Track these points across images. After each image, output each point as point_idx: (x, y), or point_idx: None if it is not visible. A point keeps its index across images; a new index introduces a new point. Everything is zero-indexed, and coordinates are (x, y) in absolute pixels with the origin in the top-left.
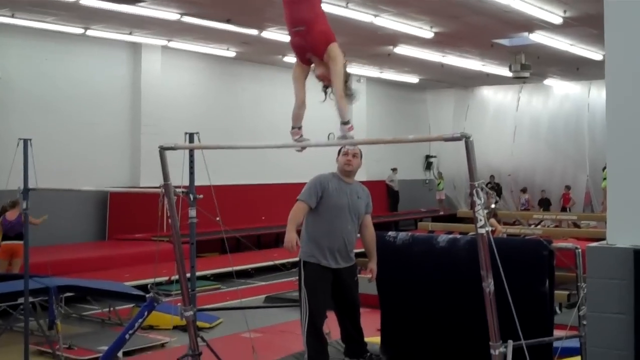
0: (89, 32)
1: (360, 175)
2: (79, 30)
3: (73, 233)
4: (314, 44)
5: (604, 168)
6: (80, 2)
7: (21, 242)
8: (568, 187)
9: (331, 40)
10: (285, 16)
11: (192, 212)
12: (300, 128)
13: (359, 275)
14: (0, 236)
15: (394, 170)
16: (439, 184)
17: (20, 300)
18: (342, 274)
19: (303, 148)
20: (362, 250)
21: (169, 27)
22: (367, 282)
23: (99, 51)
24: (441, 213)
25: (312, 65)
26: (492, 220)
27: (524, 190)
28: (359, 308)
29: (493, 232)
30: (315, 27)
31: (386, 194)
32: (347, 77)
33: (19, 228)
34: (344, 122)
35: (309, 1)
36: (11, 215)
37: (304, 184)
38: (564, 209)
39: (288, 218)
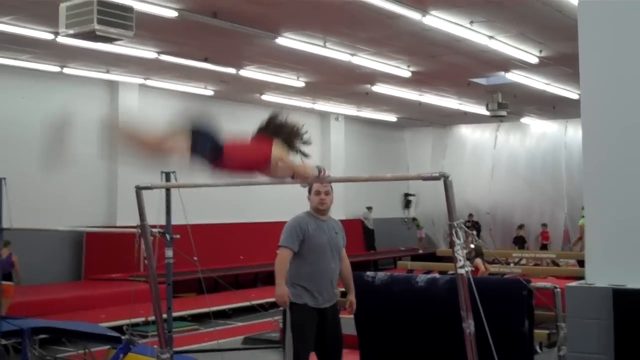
0: (66, 70)
1: (338, 214)
2: (55, 68)
3: (48, 273)
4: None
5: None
6: (57, 40)
7: (8, 283)
8: (545, 225)
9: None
10: None
11: (169, 253)
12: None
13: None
14: None
15: (369, 208)
16: (417, 225)
17: None
18: (327, 313)
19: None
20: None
21: (147, 65)
22: (346, 322)
23: (76, 89)
24: (420, 251)
25: None
26: (478, 260)
27: (520, 227)
28: (342, 348)
29: (475, 272)
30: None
31: (362, 233)
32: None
33: (8, 268)
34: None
35: None
36: (3, 253)
37: (283, 222)
38: (543, 247)
39: (275, 270)
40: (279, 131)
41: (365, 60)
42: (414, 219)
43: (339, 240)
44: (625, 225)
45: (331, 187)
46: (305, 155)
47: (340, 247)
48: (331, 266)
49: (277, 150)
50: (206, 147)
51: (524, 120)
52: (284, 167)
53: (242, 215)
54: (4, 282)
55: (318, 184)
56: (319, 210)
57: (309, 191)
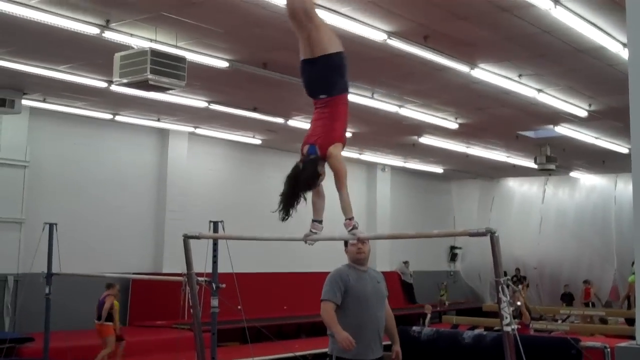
0: (118, 118)
1: (384, 266)
2: (108, 116)
3: (93, 318)
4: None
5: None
6: (111, 88)
7: (106, 323)
8: (586, 282)
9: (334, 139)
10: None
11: (215, 302)
12: (320, 222)
13: None
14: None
15: (406, 263)
16: (442, 295)
17: None
18: None
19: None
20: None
21: (197, 114)
22: None
23: (127, 136)
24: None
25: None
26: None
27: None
28: None
29: (520, 316)
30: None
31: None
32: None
33: (100, 309)
34: (349, 218)
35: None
36: (102, 295)
37: (327, 273)
38: (586, 305)
39: (326, 322)
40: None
41: (412, 112)
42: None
43: (382, 289)
44: None
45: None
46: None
47: (384, 296)
48: (377, 315)
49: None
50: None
51: (573, 174)
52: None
53: (287, 265)
54: (101, 323)
55: None
56: (358, 260)
57: (345, 243)
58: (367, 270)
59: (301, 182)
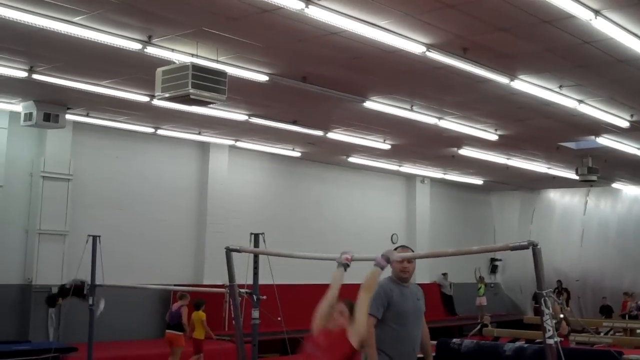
0: (160, 132)
1: (423, 277)
2: (149, 130)
3: (136, 329)
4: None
5: None
6: (153, 102)
7: (178, 333)
8: (627, 294)
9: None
10: None
11: (255, 314)
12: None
13: None
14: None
15: (445, 275)
16: (479, 289)
17: None
18: None
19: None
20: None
21: (237, 128)
22: None
23: (168, 150)
24: (480, 321)
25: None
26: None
27: (626, 294)
28: None
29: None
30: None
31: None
32: None
33: (177, 319)
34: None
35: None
36: (175, 306)
37: None
38: (623, 317)
39: (367, 342)
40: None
41: (452, 124)
42: (482, 278)
43: (422, 307)
44: None
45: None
46: None
47: (422, 313)
48: (414, 333)
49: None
50: None
51: (615, 185)
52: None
53: (327, 276)
54: (172, 332)
55: (401, 251)
56: (402, 279)
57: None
58: (409, 286)
59: None
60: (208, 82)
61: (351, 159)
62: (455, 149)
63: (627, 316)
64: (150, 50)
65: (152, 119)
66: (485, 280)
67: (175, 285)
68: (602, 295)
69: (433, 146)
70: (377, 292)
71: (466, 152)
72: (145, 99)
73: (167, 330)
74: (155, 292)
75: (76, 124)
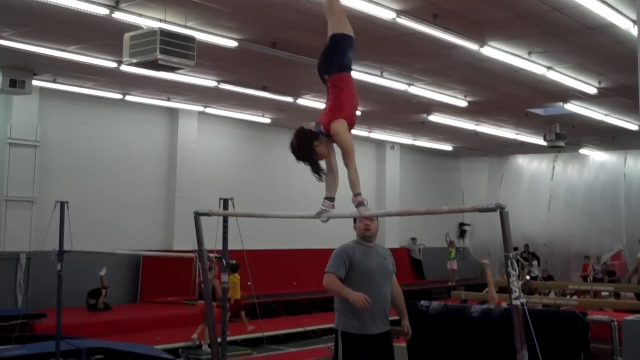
0: (128, 98)
1: (392, 243)
2: (117, 96)
3: (106, 295)
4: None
5: None
6: (120, 68)
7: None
8: (587, 257)
9: (337, 116)
10: (353, 94)
11: (225, 278)
12: (332, 199)
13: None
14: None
15: (413, 239)
16: (450, 253)
17: None
18: (379, 341)
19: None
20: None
21: (206, 94)
22: (398, 352)
23: (137, 116)
24: (451, 284)
25: None
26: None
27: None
28: None
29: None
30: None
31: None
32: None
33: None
34: (357, 194)
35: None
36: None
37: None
38: (584, 278)
39: (333, 290)
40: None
41: (421, 90)
42: (452, 242)
43: (389, 266)
44: None
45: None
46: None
47: (390, 272)
48: (382, 291)
49: (343, 125)
50: None
51: (583, 151)
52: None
53: (296, 242)
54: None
55: None
56: (365, 237)
57: (354, 220)
58: (373, 246)
59: (296, 153)
60: (176, 47)
61: None
62: (425, 115)
63: (590, 278)
64: (118, 15)
65: (120, 85)
66: (455, 244)
67: (144, 250)
68: (568, 259)
69: (403, 112)
70: (338, 253)
71: (436, 118)
72: (113, 64)
73: (199, 301)
74: (124, 258)
75: (43, 90)
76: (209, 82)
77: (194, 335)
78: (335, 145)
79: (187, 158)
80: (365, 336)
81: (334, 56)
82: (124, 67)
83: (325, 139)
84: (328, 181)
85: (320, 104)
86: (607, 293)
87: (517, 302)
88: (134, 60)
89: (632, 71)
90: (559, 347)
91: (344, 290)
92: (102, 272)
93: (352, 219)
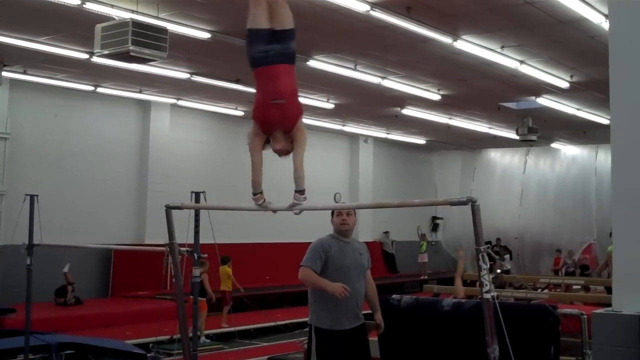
0: (99, 90)
1: (365, 236)
2: (89, 87)
3: (76, 289)
4: (291, 116)
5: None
6: (92, 60)
7: (200, 299)
8: (559, 251)
9: (302, 113)
10: (262, 90)
11: (196, 272)
12: (301, 192)
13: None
14: None
15: (386, 233)
16: (421, 246)
17: (20, 357)
18: (353, 335)
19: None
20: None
21: (179, 86)
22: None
23: (109, 108)
24: (423, 277)
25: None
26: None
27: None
28: None
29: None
30: (295, 100)
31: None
32: None
33: (199, 286)
34: (300, 191)
35: (291, 74)
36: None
37: (309, 243)
38: (555, 272)
39: (310, 282)
40: None
41: (395, 84)
42: (423, 235)
43: (364, 261)
44: None
45: (355, 210)
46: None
47: (364, 268)
48: (356, 286)
49: None
50: None
51: (555, 145)
52: (301, 134)
53: (269, 236)
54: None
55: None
56: (342, 232)
57: (332, 214)
58: (350, 242)
59: None
60: (148, 39)
61: None
62: (398, 108)
63: (562, 272)
64: (89, 5)
65: (91, 77)
66: (427, 238)
67: (116, 244)
68: (540, 252)
69: (376, 106)
70: (315, 247)
71: (409, 111)
72: (85, 56)
73: (190, 296)
74: (95, 252)
75: (13, 81)
76: (181, 74)
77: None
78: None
79: (160, 151)
80: (338, 331)
81: (294, 49)
82: (95, 59)
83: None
84: (257, 180)
85: None
86: (578, 287)
87: (488, 296)
88: (106, 52)
89: (604, 65)
90: (529, 340)
91: (321, 281)
92: (66, 269)
93: (326, 213)
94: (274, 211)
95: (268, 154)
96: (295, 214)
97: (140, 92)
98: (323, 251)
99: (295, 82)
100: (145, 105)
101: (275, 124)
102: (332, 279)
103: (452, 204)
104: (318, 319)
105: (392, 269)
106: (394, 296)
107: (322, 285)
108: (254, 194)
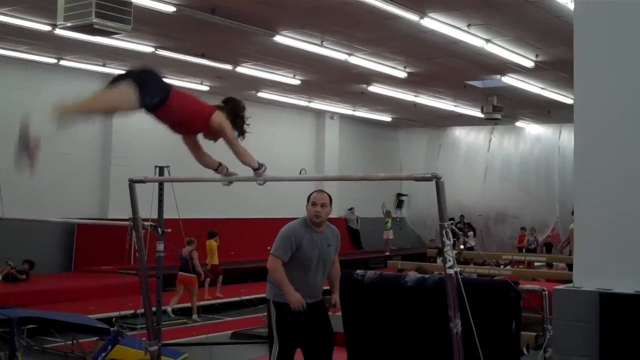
0: (62, 62)
1: (331, 213)
2: (52, 60)
3: (39, 264)
4: (200, 131)
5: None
6: (55, 32)
7: (190, 275)
8: (524, 229)
9: (209, 112)
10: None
11: (160, 246)
12: (220, 165)
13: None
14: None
15: (351, 209)
16: (386, 223)
17: None
18: (312, 309)
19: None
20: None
21: (143, 60)
22: (336, 320)
23: (72, 81)
24: (387, 254)
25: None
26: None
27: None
28: (332, 344)
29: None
30: (197, 123)
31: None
32: (240, 110)
33: (188, 262)
34: (257, 169)
35: (187, 111)
36: (185, 251)
37: (274, 219)
38: (520, 249)
39: (275, 279)
40: (233, 108)
41: (361, 60)
42: (388, 212)
43: (330, 253)
44: (613, 231)
45: (330, 200)
46: (242, 134)
47: (329, 259)
48: (317, 279)
49: (221, 115)
50: (154, 88)
51: (519, 123)
52: (219, 129)
53: (234, 211)
54: (185, 274)
55: (316, 196)
56: (315, 223)
57: (308, 200)
58: (322, 231)
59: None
60: (112, 11)
61: (260, 94)
62: (365, 85)
63: (524, 249)
64: None
65: (54, 49)
66: (392, 215)
67: (79, 218)
68: (503, 230)
69: (343, 82)
70: (287, 236)
71: (375, 89)
72: (47, 28)
73: (180, 273)
74: (58, 226)
75: None
76: (146, 48)
77: (169, 307)
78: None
79: (123, 125)
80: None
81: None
82: (58, 31)
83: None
84: (206, 163)
85: (259, 73)
86: (540, 264)
87: (451, 271)
88: (69, 24)
89: (569, 45)
90: (491, 315)
91: (285, 285)
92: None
93: (292, 191)
94: (229, 183)
95: None
96: (259, 184)
97: (103, 65)
98: (295, 241)
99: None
100: (108, 79)
101: (176, 128)
102: (295, 269)
103: (417, 179)
104: (277, 294)
105: (356, 245)
106: (358, 271)
107: (284, 290)
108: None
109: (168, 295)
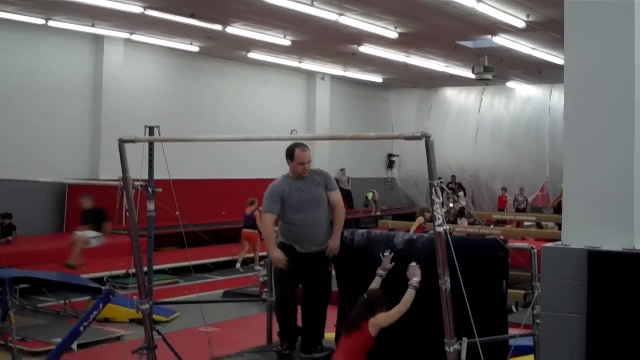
0: (51, 23)
1: None
2: (40, 21)
3: (30, 225)
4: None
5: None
6: None
7: (254, 231)
8: (504, 189)
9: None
10: None
11: (151, 206)
12: None
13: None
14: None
15: (343, 170)
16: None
17: None
18: (311, 258)
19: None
20: None
21: (132, 20)
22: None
23: (61, 42)
24: (378, 213)
25: None
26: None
27: (503, 189)
28: (326, 298)
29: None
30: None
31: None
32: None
33: (252, 221)
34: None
35: None
36: (248, 210)
37: (265, 180)
38: (500, 211)
39: (265, 235)
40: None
41: (352, 20)
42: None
43: (320, 191)
44: (601, 188)
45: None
46: None
47: (321, 197)
48: (312, 217)
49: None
50: None
51: (510, 84)
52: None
53: (225, 172)
54: (249, 230)
55: (302, 155)
56: (299, 176)
57: (292, 159)
58: (305, 178)
59: None
60: None
61: (251, 55)
62: (356, 46)
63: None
64: None
65: (42, 10)
66: (382, 175)
67: (70, 179)
68: (494, 190)
69: (334, 43)
70: (269, 193)
71: (366, 49)
72: None
73: (244, 229)
74: (49, 187)
75: None
76: (135, 8)
77: (238, 265)
78: None
79: (113, 87)
80: (296, 251)
81: None
82: None
83: None
84: None
85: (249, 33)
86: (530, 223)
87: (440, 229)
88: None
89: (560, 5)
90: (480, 273)
91: (270, 244)
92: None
93: (281, 151)
94: None
95: (227, 95)
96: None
97: (92, 25)
98: (277, 195)
99: None
100: (98, 39)
101: None
102: (288, 214)
103: (407, 138)
104: (281, 243)
105: (348, 205)
106: (346, 232)
107: (268, 248)
108: None
109: (159, 255)
